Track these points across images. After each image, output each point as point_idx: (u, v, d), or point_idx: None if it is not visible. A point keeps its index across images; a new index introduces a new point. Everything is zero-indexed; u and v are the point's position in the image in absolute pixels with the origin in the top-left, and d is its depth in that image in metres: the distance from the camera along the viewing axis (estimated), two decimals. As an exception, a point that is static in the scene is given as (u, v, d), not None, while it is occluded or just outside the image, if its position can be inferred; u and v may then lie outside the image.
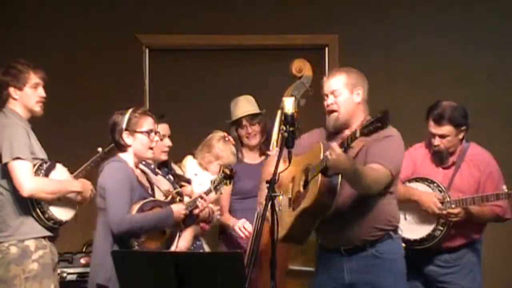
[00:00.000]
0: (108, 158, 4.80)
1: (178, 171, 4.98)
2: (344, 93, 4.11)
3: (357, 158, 3.97)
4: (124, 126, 4.23)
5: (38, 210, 4.45)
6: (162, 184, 4.58)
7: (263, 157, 5.15)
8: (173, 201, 4.35)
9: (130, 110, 4.28)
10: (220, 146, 5.06)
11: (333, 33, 6.55)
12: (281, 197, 4.06)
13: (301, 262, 4.56)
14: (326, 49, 6.60)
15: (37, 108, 4.59)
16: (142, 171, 4.41)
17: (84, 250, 5.88)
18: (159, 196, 4.39)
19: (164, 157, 4.78)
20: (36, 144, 4.56)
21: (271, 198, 3.97)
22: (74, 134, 6.19)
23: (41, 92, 4.59)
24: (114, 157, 4.31)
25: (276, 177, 4.07)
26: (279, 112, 4.93)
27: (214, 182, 4.60)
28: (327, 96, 4.16)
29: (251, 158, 5.20)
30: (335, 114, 4.11)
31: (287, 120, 4.09)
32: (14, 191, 4.42)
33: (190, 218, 4.42)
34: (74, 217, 4.64)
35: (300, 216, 3.95)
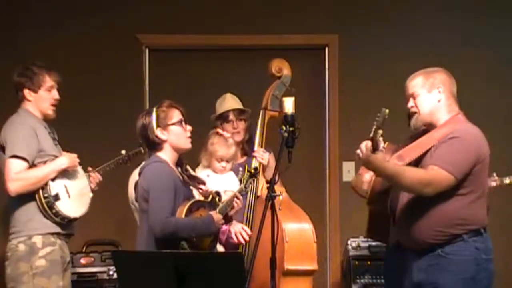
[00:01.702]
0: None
1: (192, 172, 4.97)
2: (422, 93, 4.08)
3: (425, 159, 3.96)
4: (154, 123, 4.22)
5: (45, 206, 4.49)
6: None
7: (245, 157, 5.14)
8: (213, 201, 4.34)
9: (154, 108, 4.27)
10: (212, 141, 5.03)
11: (333, 33, 6.55)
12: (280, 197, 4.07)
13: (298, 262, 4.56)
14: (326, 49, 6.60)
15: (50, 112, 4.71)
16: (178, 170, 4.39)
17: (84, 250, 5.89)
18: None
19: None
20: (49, 141, 4.65)
21: (271, 198, 3.98)
22: (73, 134, 6.19)
23: (55, 94, 4.71)
24: (153, 157, 4.27)
25: (276, 177, 4.09)
26: (261, 113, 4.93)
27: (242, 182, 4.59)
28: (408, 99, 4.14)
29: None
30: (416, 115, 4.10)
31: (287, 120, 4.10)
32: None
33: (226, 218, 4.39)
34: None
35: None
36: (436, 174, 3.86)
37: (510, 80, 6.50)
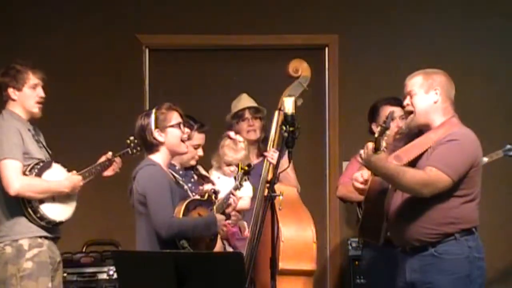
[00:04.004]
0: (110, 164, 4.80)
1: (203, 171, 4.96)
2: (419, 93, 4.09)
3: (421, 160, 4.00)
4: (153, 125, 4.22)
5: (29, 210, 4.44)
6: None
7: (260, 158, 5.10)
8: (210, 199, 4.35)
9: (154, 110, 4.28)
10: (222, 144, 5.02)
11: (333, 33, 6.55)
12: (281, 197, 4.07)
13: (294, 262, 4.56)
14: (326, 49, 6.60)
15: (35, 110, 4.59)
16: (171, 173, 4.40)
17: (84, 250, 5.89)
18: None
19: (193, 162, 4.82)
20: (33, 144, 4.55)
21: (271, 198, 3.99)
22: (73, 134, 6.20)
23: (40, 92, 4.59)
24: (145, 160, 4.28)
25: (276, 178, 4.09)
26: (276, 113, 4.92)
27: (237, 179, 4.59)
28: (405, 97, 4.16)
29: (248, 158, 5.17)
30: (411, 116, 4.11)
31: (287, 120, 4.10)
32: (5, 191, 4.43)
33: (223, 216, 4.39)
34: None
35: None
36: (435, 176, 3.90)
37: (510, 80, 6.51)
